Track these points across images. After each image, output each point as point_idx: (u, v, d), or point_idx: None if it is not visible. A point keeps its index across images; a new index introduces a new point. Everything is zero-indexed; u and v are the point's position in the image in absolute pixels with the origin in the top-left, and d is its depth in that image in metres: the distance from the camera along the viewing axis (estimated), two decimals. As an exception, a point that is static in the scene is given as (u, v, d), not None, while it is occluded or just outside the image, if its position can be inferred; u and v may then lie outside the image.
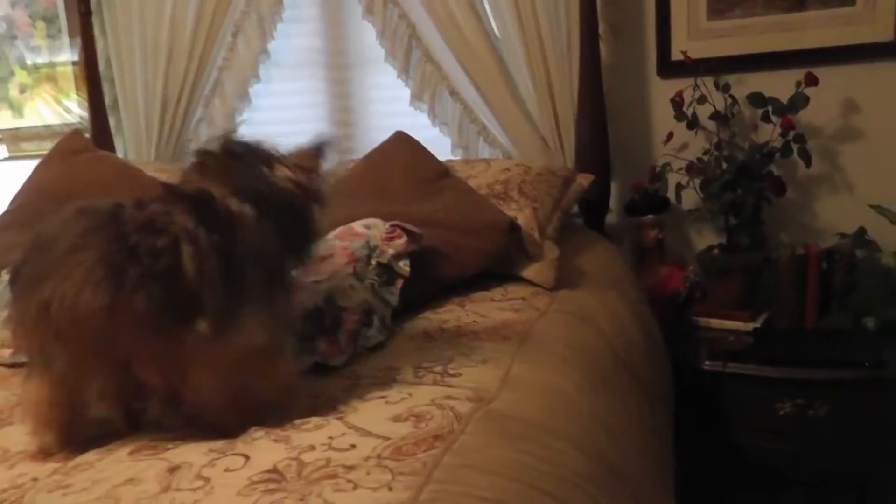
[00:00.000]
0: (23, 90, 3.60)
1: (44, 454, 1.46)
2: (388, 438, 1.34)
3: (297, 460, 1.29)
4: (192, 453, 1.39)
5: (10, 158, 3.46)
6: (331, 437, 1.36)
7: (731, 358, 2.44)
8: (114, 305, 1.34)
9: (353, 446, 1.32)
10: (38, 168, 2.88)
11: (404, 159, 2.54)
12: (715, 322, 2.66)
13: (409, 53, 3.09)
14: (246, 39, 3.25)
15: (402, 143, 2.62)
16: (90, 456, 1.46)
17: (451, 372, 1.64)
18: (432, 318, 2.03)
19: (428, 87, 3.09)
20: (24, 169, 2.94)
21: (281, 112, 3.36)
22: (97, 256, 1.35)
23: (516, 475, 1.26)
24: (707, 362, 2.45)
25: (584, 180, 2.69)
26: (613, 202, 2.96)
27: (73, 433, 1.48)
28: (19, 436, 1.54)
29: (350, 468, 1.24)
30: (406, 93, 3.12)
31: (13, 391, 1.74)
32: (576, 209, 2.83)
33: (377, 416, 1.44)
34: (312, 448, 1.33)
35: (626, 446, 1.63)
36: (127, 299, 1.34)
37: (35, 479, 1.39)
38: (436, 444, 1.31)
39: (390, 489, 1.17)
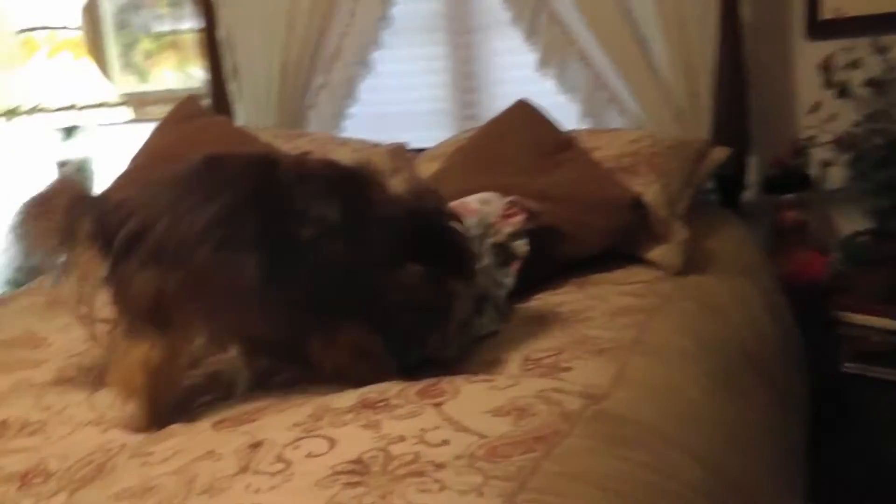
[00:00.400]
0: (148, 57, 3.66)
1: (133, 425, 1.45)
2: (485, 436, 1.22)
3: (384, 452, 1.19)
4: (277, 429, 1.32)
5: (135, 121, 3.49)
6: (423, 429, 1.25)
7: (875, 360, 2.19)
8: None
9: (446, 442, 1.21)
10: (154, 132, 2.90)
11: (525, 129, 2.41)
12: (858, 318, 2.36)
13: (536, 16, 2.94)
14: (366, 5, 3.16)
15: (523, 112, 2.48)
16: (177, 425, 1.44)
17: (562, 364, 1.52)
18: (548, 301, 1.90)
19: (556, 53, 2.93)
20: (149, 131, 2.98)
21: (403, 78, 3.27)
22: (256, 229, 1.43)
23: (622, 488, 1.13)
24: (847, 364, 2.21)
25: (719, 154, 2.48)
26: (751, 178, 2.73)
27: (165, 404, 1.48)
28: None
29: (439, 466, 1.14)
30: (533, 57, 2.97)
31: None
32: (709, 185, 2.64)
33: (477, 406, 1.32)
34: (402, 439, 1.23)
35: (751, 457, 1.47)
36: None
37: (123, 445, 1.38)
38: (536, 446, 1.19)
39: (480, 494, 1.06)
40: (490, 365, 1.58)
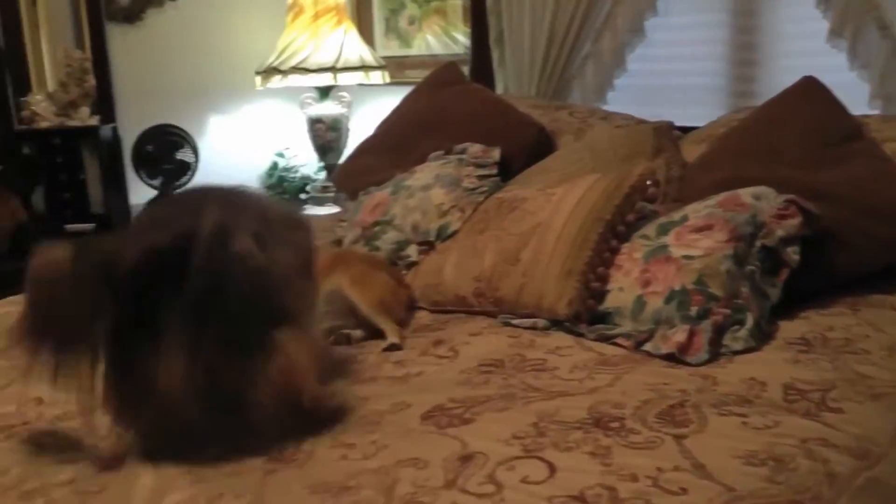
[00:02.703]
0: (412, 22, 3.66)
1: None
2: (732, 489, 1.07)
3: (610, 491, 1.09)
4: (492, 439, 1.26)
5: (392, 84, 3.53)
6: (659, 469, 1.13)
7: None
8: None
9: (684, 490, 1.08)
10: (409, 97, 2.87)
11: (808, 113, 2.12)
12: None
13: (833, -24, 2.61)
14: (645, -33, 2.95)
15: (808, 93, 2.18)
16: (381, 409, 1.39)
17: (830, 403, 1.33)
18: (814, 321, 1.68)
19: (851, 20, 2.58)
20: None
21: (676, 48, 3.04)
22: None
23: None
24: None
25: None
26: None
27: None
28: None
29: (669, 524, 1.00)
30: (823, 26, 2.64)
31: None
32: None
33: (727, 446, 1.18)
34: (634, 478, 1.11)
35: None
36: None
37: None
38: (792, 513, 1.03)
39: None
40: (747, 384, 1.41)
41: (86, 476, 1.25)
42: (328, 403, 1.43)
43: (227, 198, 1.44)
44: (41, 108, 3.33)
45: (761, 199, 1.80)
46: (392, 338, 1.77)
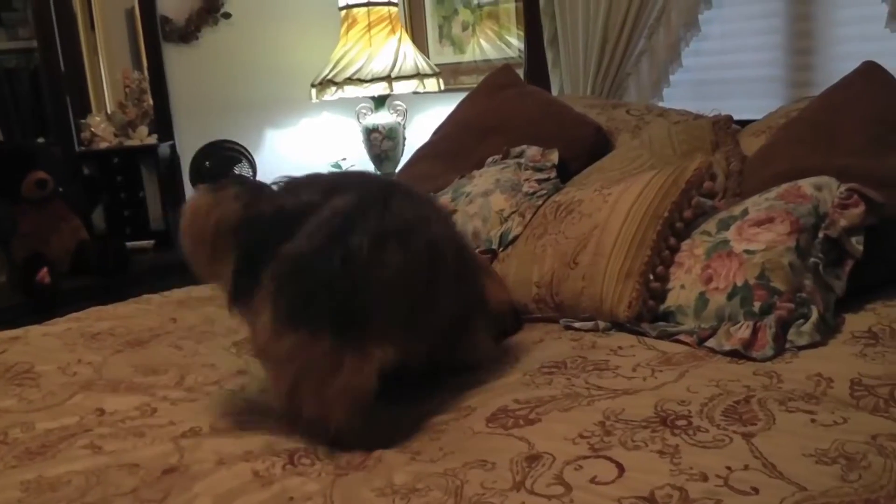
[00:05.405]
0: (465, 28, 3.66)
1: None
2: (804, 489, 1.05)
3: (680, 490, 1.08)
4: (558, 438, 1.26)
5: (447, 91, 3.54)
6: (729, 468, 1.12)
7: None
8: None
9: (756, 490, 1.07)
10: (464, 102, 2.87)
11: (869, 99, 2.07)
12: None
13: (891, -43, 2.54)
14: (699, -41, 2.91)
15: (870, 78, 2.13)
16: (445, 417, 1.41)
17: (900, 399, 1.29)
18: (881, 313, 1.64)
19: (911, 1, 2.53)
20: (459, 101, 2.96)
21: (730, 40, 2.99)
22: None
23: None
24: None
25: None
26: None
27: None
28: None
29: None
30: (882, 9, 2.57)
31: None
32: None
33: (796, 445, 1.16)
34: (703, 478, 1.10)
35: None
36: None
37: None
38: (866, 514, 1.00)
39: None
40: (813, 380, 1.39)
41: (148, 483, 1.26)
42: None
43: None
44: (100, 129, 3.39)
45: (823, 189, 1.76)
46: None
